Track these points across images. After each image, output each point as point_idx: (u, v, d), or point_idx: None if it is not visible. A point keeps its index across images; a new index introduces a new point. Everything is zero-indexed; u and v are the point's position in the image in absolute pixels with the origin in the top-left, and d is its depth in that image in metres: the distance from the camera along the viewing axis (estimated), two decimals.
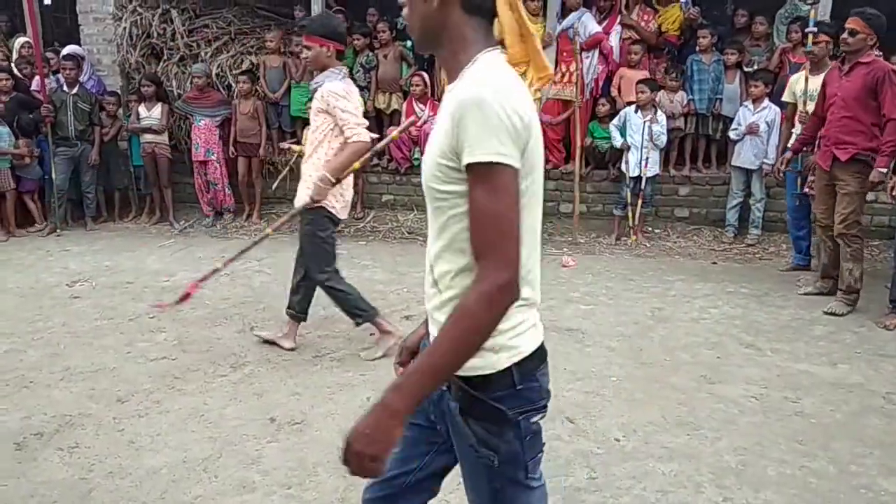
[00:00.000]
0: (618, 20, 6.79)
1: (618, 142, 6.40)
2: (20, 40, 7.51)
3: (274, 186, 7.40)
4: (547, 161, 7.01)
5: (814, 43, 5.13)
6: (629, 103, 6.42)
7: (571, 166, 6.68)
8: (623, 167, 6.44)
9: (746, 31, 6.78)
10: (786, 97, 5.52)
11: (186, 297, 3.69)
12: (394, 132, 4.00)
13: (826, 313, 4.55)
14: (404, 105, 7.17)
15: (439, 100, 7.07)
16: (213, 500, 2.51)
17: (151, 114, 6.97)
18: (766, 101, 6.03)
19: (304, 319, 3.95)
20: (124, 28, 7.33)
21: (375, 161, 7.35)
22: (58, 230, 6.77)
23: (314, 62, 3.55)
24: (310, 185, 3.54)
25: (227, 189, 7.16)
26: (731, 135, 6.25)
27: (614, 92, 6.81)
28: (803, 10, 6.60)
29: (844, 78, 4.52)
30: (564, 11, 6.82)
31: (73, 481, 2.63)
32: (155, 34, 7.38)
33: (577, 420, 3.12)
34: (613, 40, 6.76)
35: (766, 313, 4.63)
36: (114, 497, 2.53)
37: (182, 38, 7.39)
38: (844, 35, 4.46)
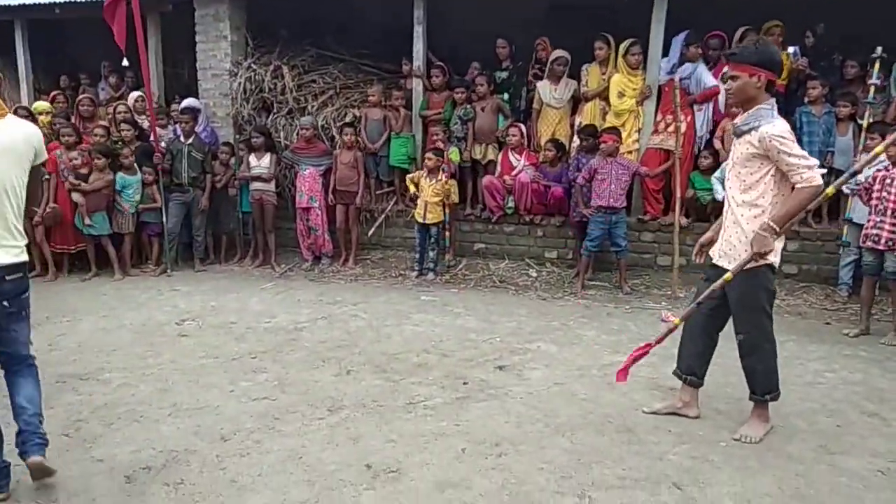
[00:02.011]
0: (723, 71, 6.65)
1: (719, 194, 6.19)
2: (134, 94, 8.12)
3: (370, 233, 7.64)
4: (645, 212, 6.89)
5: None
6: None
7: (671, 218, 6.50)
8: None
9: (858, 81, 6.49)
10: None
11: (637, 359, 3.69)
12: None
13: None
14: (500, 155, 7.25)
15: (534, 151, 7.16)
16: None
17: (261, 163, 7.35)
18: (883, 155, 5.69)
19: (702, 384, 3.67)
20: (239, 83, 7.81)
21: (469, 210, 7.44)
22: (169, 271, 7.17)
23: (739, 94, 3.23)
24: (740, 238, 3.28)
25: (326, 235, 7.40)
26: (845, 189, 5.92)
27: (717, 144, 6.63)
28: None
29: None
30: (673, 61, 6.75)
31: None
32: (267, 88, 7.82)
33: (685, 487, 2.94)
34: (723, 92, 6.63)
35: (889, 379, 4.28)
36: None
37: (291, 92, 7.79)
38: None
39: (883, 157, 5.47)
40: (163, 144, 7.28)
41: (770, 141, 3.11)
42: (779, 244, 3.29)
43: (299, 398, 3.86)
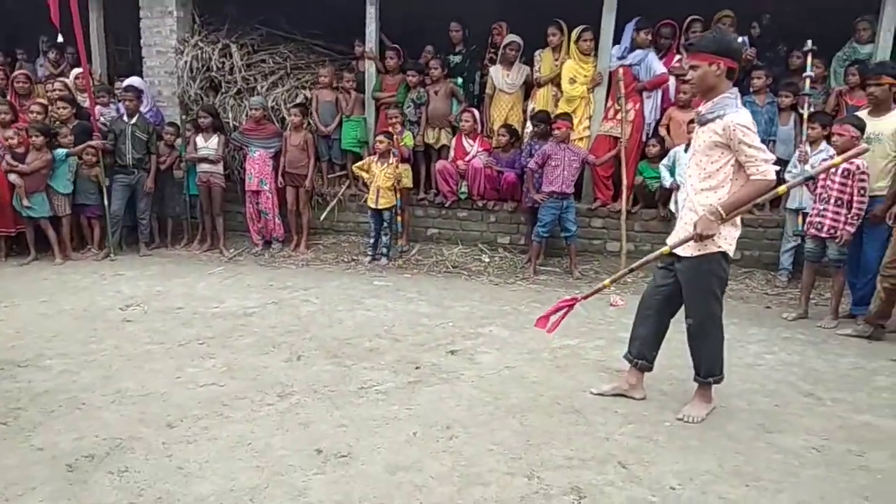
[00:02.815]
0: (673, 61, 6.76)
1: (667, 181, 6.33)
2: (75, 71, 7.83)
3: (322, 217, 7.56)
4: (595, 199, 6.99)
5: (876, 84, 5.02)
6: (679, 143, 6.35)
7: (620, 204, 6.62)
8: (672, 207, 6.35)
9: (802, 72, 6.68)
10: None
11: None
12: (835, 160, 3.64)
13: (894, 360, 4.39)
14: (453, 140, 7.24)
15: (487, 136, 7.18)
16: None
17: (208, 144, 7.17)
18: (824, 144, 5.89)
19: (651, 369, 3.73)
20: (185, 61, 7.59)
21: (422, 194, 7.42)
22: (112, 255, 6.95)
23: (700, 83, 3.23)
24: (691, 224, 3.29)
25: (277, 219, 7.29)
26: (787, 177, 6.12)
27: (663, 131, 6.76)
28: (861, 53, 6.52)
29: None
30: (624, 49, 6.82)
31: None
32: (214, 67, 7.62)
33: (630, 465, 3.02)
34: (671, 80, 6.74)
35: (825, 361, 4.46)
36: None
37: (240, 71, 7.62)
38: None
39: (824, 146, 5.68)
40: (101, 122, 7.02)
41: (734, 130, 3.13)
42: (735, 232, 3.36)
43: (248, 384, 3.81)
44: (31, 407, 3.48)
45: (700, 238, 3.26)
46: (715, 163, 3.26)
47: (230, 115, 7.56)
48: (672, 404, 3.67)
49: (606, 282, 3.76)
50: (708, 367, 3.53)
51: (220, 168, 7.23)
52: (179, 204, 7.50)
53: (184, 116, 7.75)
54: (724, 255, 3.36)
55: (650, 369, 3.74)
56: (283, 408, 3.52)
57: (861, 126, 4.96)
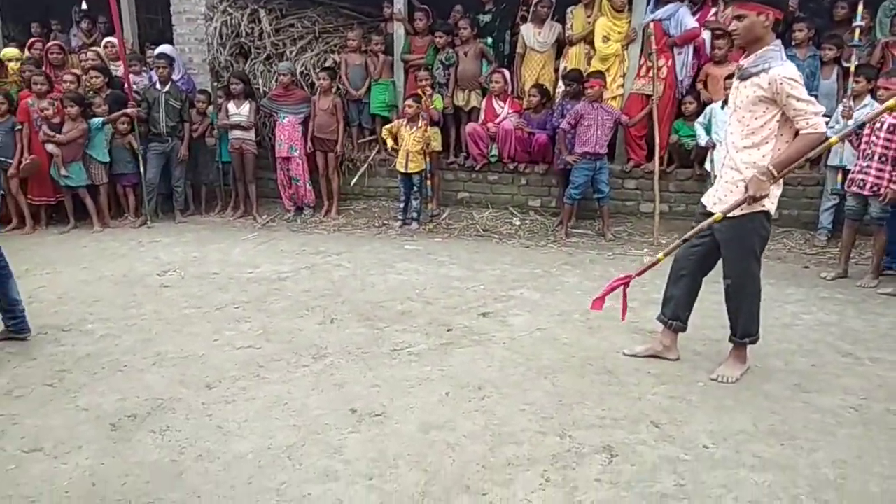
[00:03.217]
0: (708, 15, 6.54)
1: (703, 139, 6.18)
2: (106, 40, 7.89)
3: (353, 182, 7.58)
4: (628, 159, 6.87)
5: None
6: (716, 100, 6.18)
7: (653, 165, 6.49)
8: (708, 166, 6.21)
9: (846, 24, 6.41)
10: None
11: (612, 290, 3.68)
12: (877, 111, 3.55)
13: None
14: (483, 102, 7.15)
15: (518, 97, 7.06)
16: (298, 488, 2.55)
17: (240, 111, 7.20)
18: (868, 98, 5.68)
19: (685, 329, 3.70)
20: (215, 28, 7.59)
21: (452, 158, 7.38)
22: (149, 222, 7.09)
23: (746, 34, 3.09)
24: (737, 184, 3.21)
25: (307, 185, 7.32)
26: (829, 133, 5.92)
27: (700, 87, 6.58)
28: None
29: None
30: (658, 3, 6.61)
31: (165, 463, 2.72)
32: (244, 33, 7.62)
33: (663, 425, 3.01)
34: (706, 33, 6.53)
35: (864, 321, 4.36)
36: (203, 480, 2.60)
37: (269, 37, 7.60)
38: None
39: (869, 100, 5.48)
40: (135, 90, 7.09)
41: (781, 84, 3.01)
42: (777, 190, 3.26)
43: (283, 346, 3.88)
44: (76, 369, 3.60)
45: (753, 200, 3.16)
46: (759, 118, 3.15)
47: (260, 82, 7.57)
48: (706, 364, 3.64)
49: (660, 255, 3.68)
50: (745, 327, 3.48)
51: (251, 135, 7.27)
52: (213, 171, 7.57)
53: (215, 83, 7.78)
54: (766, 213, 3.28)
55: (684, 329, 3.70)
56: (317, 369, 3.58)
57: None
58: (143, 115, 7.05)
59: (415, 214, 6.89)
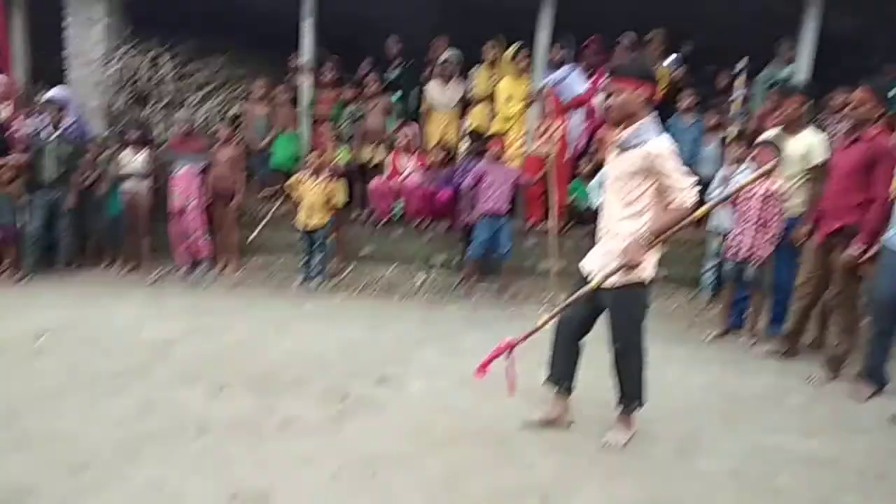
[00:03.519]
0: (602, 79, 6.87)
1: (596, 200, 6.43)
2: None
3: (252, 237, 7.39)
4: (528, 218, 7.06)
5: (791, 104, 5.23)
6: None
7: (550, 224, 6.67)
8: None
9: (728, 93, 6.90)
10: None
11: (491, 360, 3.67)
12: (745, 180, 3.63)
13: (806, 380, 4.58)
14: (389, 157, 7.20)
15: (424, 153, 7.16)
16: None
17: (135, 159, 6.93)
18: (745, 165, 6.10)
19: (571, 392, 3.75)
20: (113, 72, 7.32)
21: (357, 213, 7.35)
22: (28, 277, 6.63)
23: (622, 108, 3.20)
24: (617, 252, 3.28)
25: (203, 238, 7.06)
26: (709, 199, 6.30)
27: (595, 149, 6.87)
28: (782, 75, 6.78)
29: (846, 150, 4.52)
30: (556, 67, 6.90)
31: None
32: (143, 79, 7.39)
33: (552, 496, 3.03)
34: (600, 98, 6.84)
35: (742, 381, 4.59)
36: None
37: (170, 83, 7.40)
38: (851, 106, 4.44)
39: (746, 167, 5.88)
40: (23, 135, 6.68)
41: (655, 158, 3.14)
42: (654, 257, 3.38)
43: (165, 421, 3.66)
44: None
45: (630, 267, 3.27)
46: (636, 190, 3.26)
47: (159, 129, 7.33)
48: (597, 429, 3.71)
49: (540, 323, 3.74)
50: (631, 393, 3.58)
51: (146, 184, 6.99)
52: (102, 222, 7.21)
53: (110, 130, 7.46)
54: (647, 282, 3.41)
55: (570, 393, 3.77)
56: (200, 447, 3.40)
57: (780, 148, 5.15)
58: (29, 163, 6.64)
59: (317, 271, 6.79)
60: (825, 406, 4.21)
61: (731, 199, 5.41)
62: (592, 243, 6.74)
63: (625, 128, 3.29)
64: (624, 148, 3.27)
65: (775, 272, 5.31)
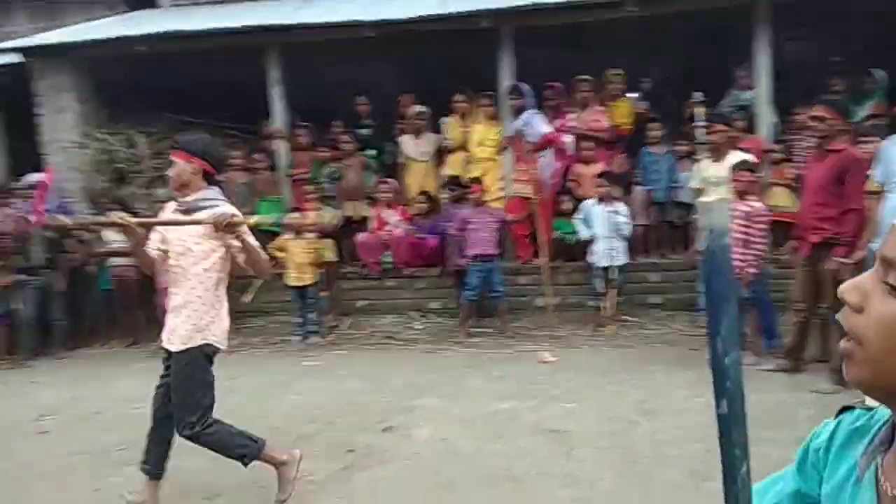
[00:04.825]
0: (567, 121, 7.04)
1: (584, 233, 6.51)
2: None
3: (246, 299, 7.38)
4: (517, 257, 7.13)
5: (714, 132, 5.41)
6: (589, 197, 6.58)
7: (541, 261, 6.75)
8: (590, 258, 6.52)
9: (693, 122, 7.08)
10: (693, 183, 5.78)
11: None
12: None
13: (813, 392, 4.58)
14: (372, 211, 7.29)
15: (406, 205, 7.27)
16: None
17: (120, 237, 6.96)
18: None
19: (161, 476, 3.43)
20: (89, 155, 7.42)
21: (348, 267, 7.39)
22: (26, 362, 6.58)
23: (176, 178, 3.23)
24: (194, 312, 3.20)
25: None
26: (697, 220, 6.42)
27: (572, 186, 6.99)
28: (743, 99, 7.00)
29: (816, 164, 4.66)
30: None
31: None
32: (120, 159, 7.49)
33: None
34: (568, 136, 7.00)
35: (751, 399, 4.53)
36: None
37: (147, 161, 7.50)
38: (813, 123, 4.60)
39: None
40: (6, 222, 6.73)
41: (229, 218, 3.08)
42: (223, 325, 3.34)
43: (171, 490, 3.61)
44: None
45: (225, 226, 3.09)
46: (207, 248, 3.19)
47: (141, 206, 7.38)
48: (607, 459, 3.69)
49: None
50: (239, 453, 3.36)
51: (132, 260, 7.00)
52: (94, 301, 7.19)
53: (92, 211, 7.51)
54: (210, 352, 3.32)
55: (160, 475, 3.44)
56: None
57: (753, 169, 5.28)
58: (17, 250, 6.67)
59: (313, 328, 6.78)
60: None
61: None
62: (583, 278, 6.86)
63: (188, 195, 3.26)
64: (190, 210, 3.22)
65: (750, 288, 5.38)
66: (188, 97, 8.32)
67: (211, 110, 8.27)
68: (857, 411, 0.91)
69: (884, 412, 0.87)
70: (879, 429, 0.87)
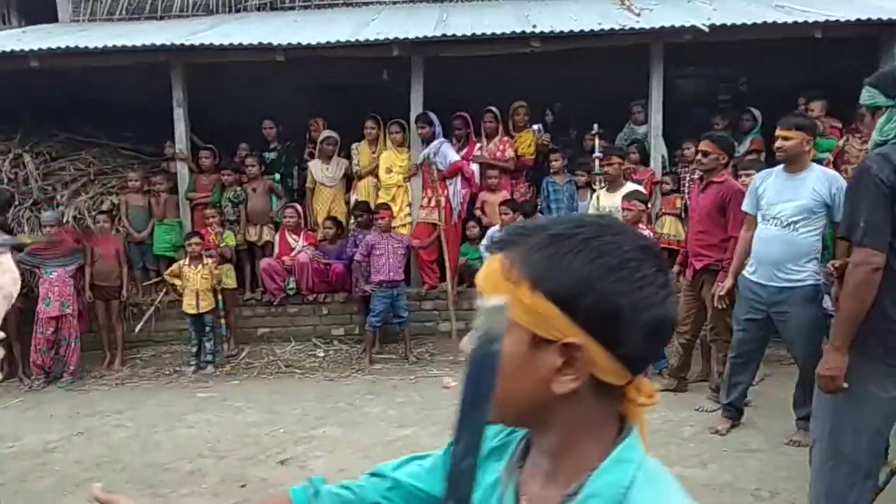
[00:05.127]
0: (474, 150, 7.17)
1: (489, 260, 6.60)
2: None
3: (138, 329, 7.02)
4: (423, 283, 7.14)
5: (608, 164, 5.69)
6: (494, 224, 6.70)
7: (446, 286, 6.80)
8: None
9: (593, 153, 7.37)
10: (591, 212, 6.03)
11: None
12: None
13: (697, 409, 4.79)
14: (277, 236, 7.14)
15: (312, 230, 7.15)
16: None
17: None
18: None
19: None
20: None
21: (249, 294, 7.18)
22: None
23: None
24: None
25: (74, 343, 6.39)
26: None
27: (478, 213, 7.11)
28: (638, 133, 7.37)
29: (700, 195, 4.92)
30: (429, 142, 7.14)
31: None
32: (5, 179, 7.02)
33: None
34: (474, 165, 7.12)
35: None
36: None
37: (36, 181, 7.07)
38: (699, 157, 4.87)
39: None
40: None
41: None
42: None
43: None
44: None
45: None
46: None
47: (26, 230, 6.92)
48: None
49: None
50: None
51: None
52: None
53: None
54: None
55: None
56: None
57: (645, 199, 5.54)
58: None
59: (210, 357, 6.51)
60: (718, 434, 4.40)
61: None
62: None
63: None
64: None
65: None
66: (87, 116, 7.93)
67: (110, 129, 7.93)
68: (496, 427, 0.95)
69: (521, 431, 0.95)
70: (517, 446, 0.95)
